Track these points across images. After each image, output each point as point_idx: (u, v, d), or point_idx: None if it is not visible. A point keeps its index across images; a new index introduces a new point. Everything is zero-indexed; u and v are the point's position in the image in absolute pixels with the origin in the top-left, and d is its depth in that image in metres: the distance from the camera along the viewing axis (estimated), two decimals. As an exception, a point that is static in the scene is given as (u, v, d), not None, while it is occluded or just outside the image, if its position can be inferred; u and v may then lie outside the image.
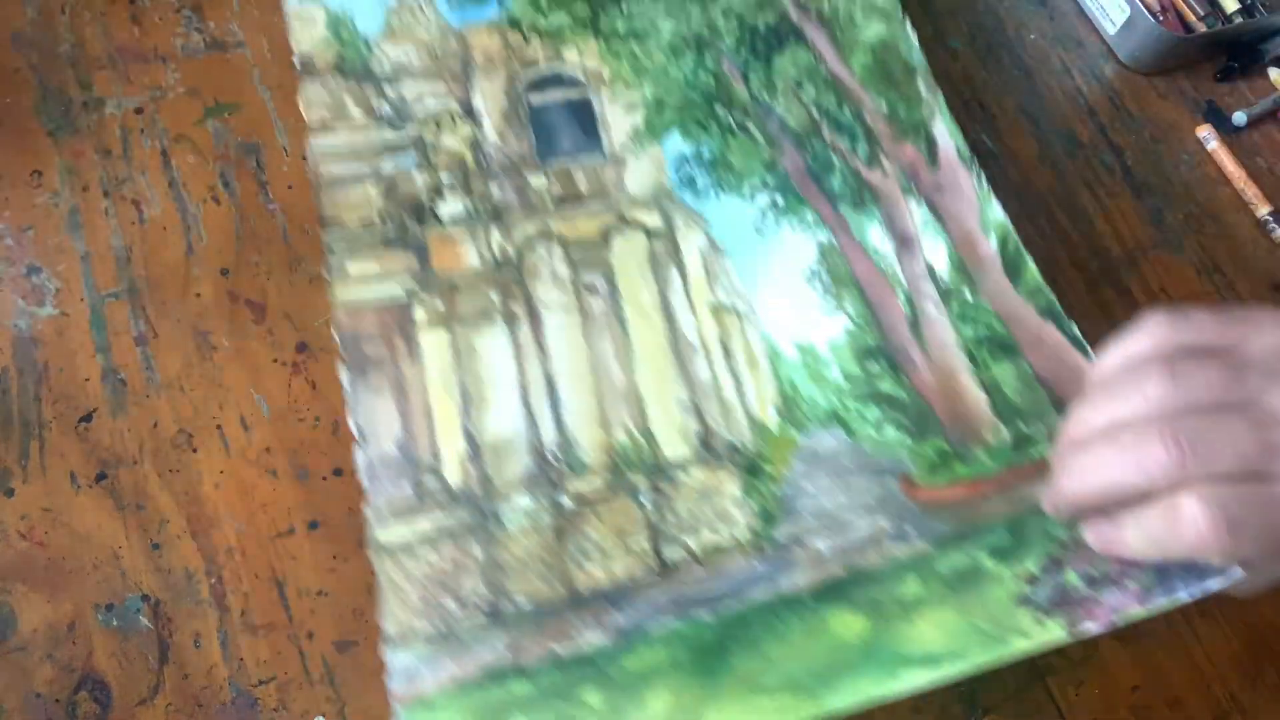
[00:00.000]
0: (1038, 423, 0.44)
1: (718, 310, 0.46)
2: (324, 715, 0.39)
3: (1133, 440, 0.33)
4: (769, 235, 0.49)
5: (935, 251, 0.49)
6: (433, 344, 0.44)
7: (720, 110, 0.51)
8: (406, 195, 0.47)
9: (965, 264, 0.48)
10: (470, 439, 0.43)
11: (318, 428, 0.44)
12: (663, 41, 0.53)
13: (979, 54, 0.60)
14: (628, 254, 0.47)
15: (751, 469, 0.43)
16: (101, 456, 0.42)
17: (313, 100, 0.48)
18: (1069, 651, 0.45)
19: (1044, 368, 0.46)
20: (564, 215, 0.48)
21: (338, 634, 0.41)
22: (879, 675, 0.36)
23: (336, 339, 0.43)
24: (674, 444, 0.44)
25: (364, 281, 0.45)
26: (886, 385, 0.45)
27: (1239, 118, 0.60)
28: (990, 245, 0.49)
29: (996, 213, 0.50)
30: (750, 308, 0.47)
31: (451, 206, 0.47)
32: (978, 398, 0.45)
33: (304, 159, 0.50)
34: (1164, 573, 0.37)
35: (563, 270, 0.46)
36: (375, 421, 0.42)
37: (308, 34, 0.49)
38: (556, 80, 0.51)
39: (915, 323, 0.47)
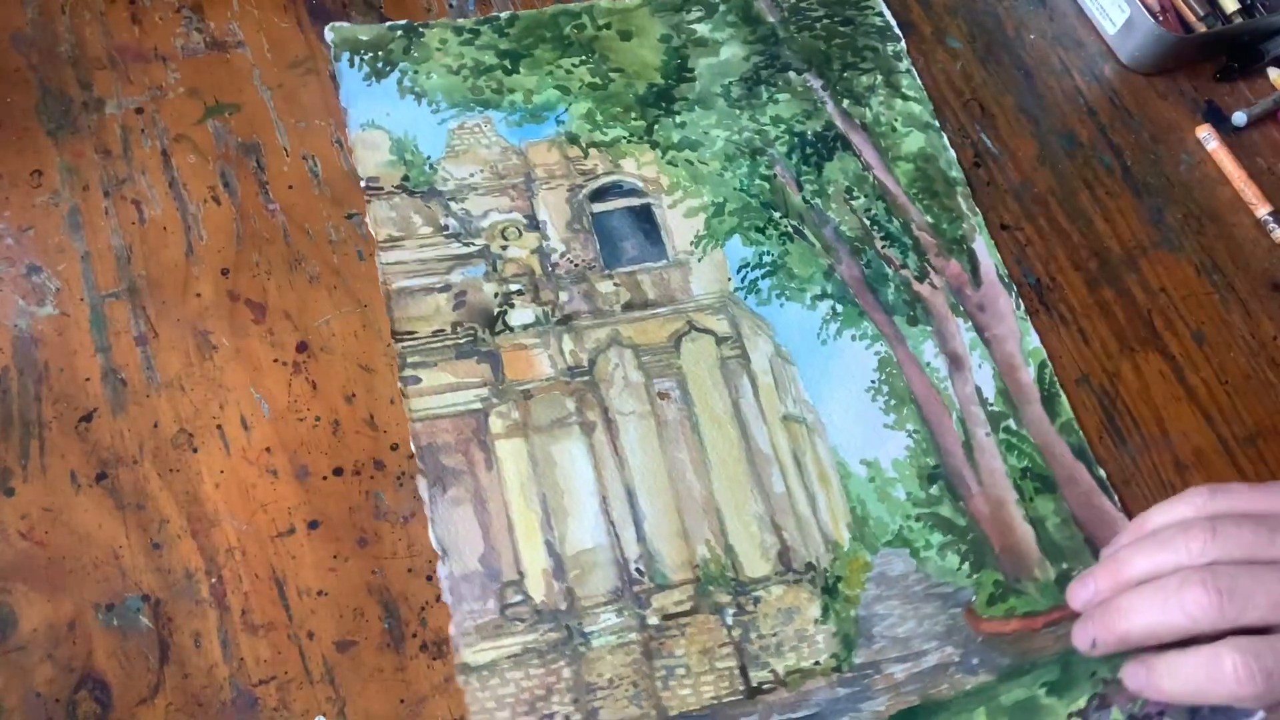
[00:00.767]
0: (1077, 563, 0.46)
1: (788, 421, 0.47)
2: (324, 715, 0.39)
3: (1176, 585, 0.37)
4: (830, 345, 0.49)
5: (983, 374, 0.50)
6: (510, 454, 0.45)
7: (778, 216, 0.52)
8: (477, 305, 0.48)
9: (1009, 391, 0.49)
10: (553, 552, 0.43)
11: (318, 428, 0.44)
12: (717, 149, 0.54)
13: (979, 54, 0.61)
14: (698, 360, 0.48)
15: (829, 589, 0.44)
16: (101, 456, 0.42)
17: (381, 219, 0.49)
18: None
19: (1078, 507, 0.47)
20: (633, 321, 0.48)
21: (338, 634, 0.41)
22: None
23: (414, 450, 0.43)
24: (754, 560, 0.44)
25: (439, 392, 0.45)
26: (946, 510, 0.46)
27: (1239, 118, 0.60)
28: (1030, 374, 0.50)
29: (1034, 341, 0.51)
30: (817, 419, 0.47)
31: (522, 315, 0.48)
32: (1026, 531, 0.46)
33: (304, 159, 0.50)
34: (1196, 713, 0.41)
35: (635, 376, 0.47)
36: (457, 536, 0.43)
37: (372, 157, 0.50)
38: (617, 189, 0.52)
39: (969, 447, 0.48)
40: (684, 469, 0.45)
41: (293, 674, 0.40)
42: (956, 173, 0.55)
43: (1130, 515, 0.47)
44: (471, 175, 0.51)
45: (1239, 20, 0.62)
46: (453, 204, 0.50)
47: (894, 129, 0.56)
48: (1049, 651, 0.43)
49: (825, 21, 0.59)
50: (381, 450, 0.44)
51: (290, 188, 0.49)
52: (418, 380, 0.45)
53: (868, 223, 0.53)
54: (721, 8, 0.58)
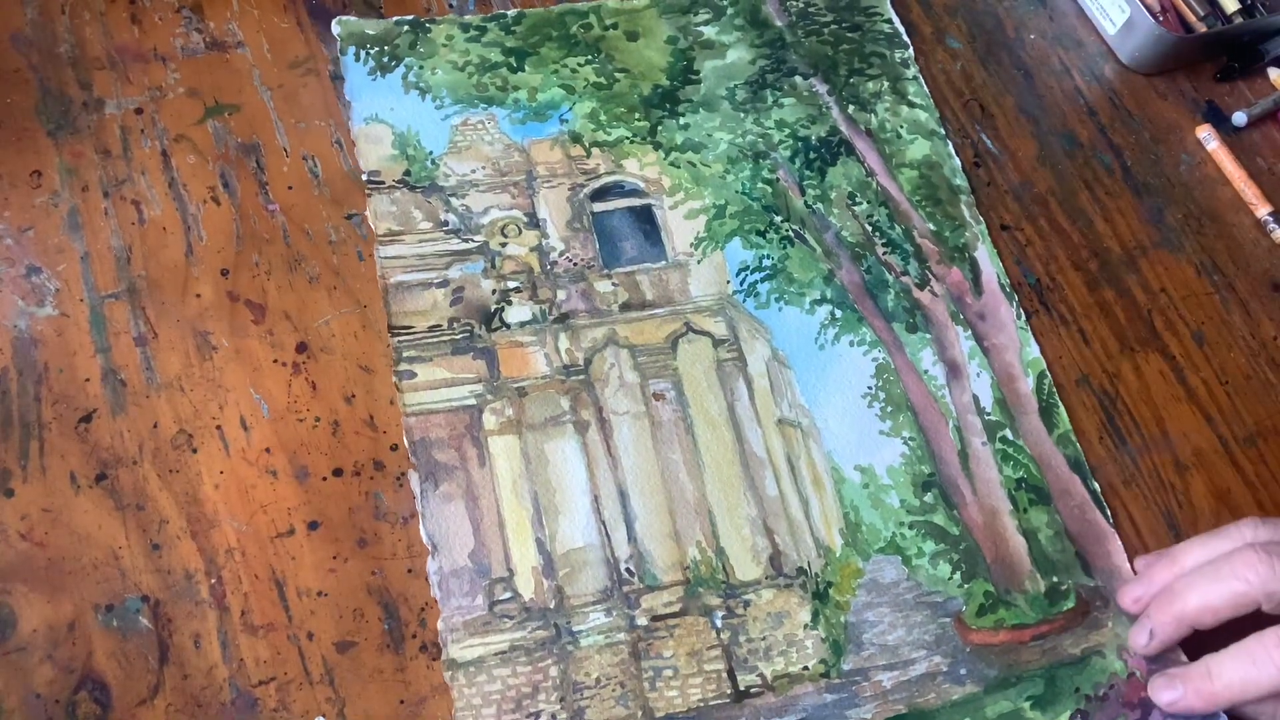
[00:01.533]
0: (1067, 577, 0.46)
1: (783, 425, 0.47)
2: (324, 715, 0.39)
3: (1230, 558, 0.40)
4: (828, 350, 0.49)
5: (981, 383, 0.50)
6: (503, 450, 0.45)
7: (779, 220, 0.52)
8: (474, 301, 0.48)
9: (1007, 401, 0.49)
10: (543, 550, 0.43)
11: (318, 428, 0.44)
12: (720, 152, 0.54)
13: (979, 54, 0.60)
14: (694, 361, 0.48)
15: (819, 595, 0.44)
16: (101, 457, 0.42)
17: (380, 212, 0.49)
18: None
19: (1070, 520, 0.47)
20: (630, 321, 0.48)
21: (338, 634, 0.41)
22: None
23: (406, 445, 0.43)
24: (745, 563, 0.44)
25: (433, 387, 0.45)
26: (940, 518, 0.46)
27: (1239, 118, 0.60)
28: (1028, 384, 0.50)
29: (1034, 352, 0.51)
30: (813, 424, 0.47)
31: (519, 312, 0.48)
32: (1019, 543, 0.46)
33: (304, 159, 0.50)
34: None
35: (631, 377, 0.47)
36: (447, 531, 0.43)
37: (375, 151, 0.50)
38: (618, 189, 0.52)
39: (964, 456, 0.48)
40: (677, 470, 0.45)
41: (292, 675, 0.40)
42: (961, 180, 0.55)
43: (1121, 530, 0.47)
44: (473, 171, 0.51)
45: (1239, 20, 0.62)
46: (453, 200, 0.50)
47: (899, 135, 0.56)
48: (1035, 665, 0.43)
49: (833, 27, 0.59)
50: (381, 451, 0.44)
51: (290, 188, 0.49)
52: (413, 375, 0.45)
53: (869, 229, 0.53)
54: (729, 11, 0.58)
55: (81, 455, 0.42)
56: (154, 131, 0.49)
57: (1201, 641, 0.41)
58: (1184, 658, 0.43)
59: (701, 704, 0.41)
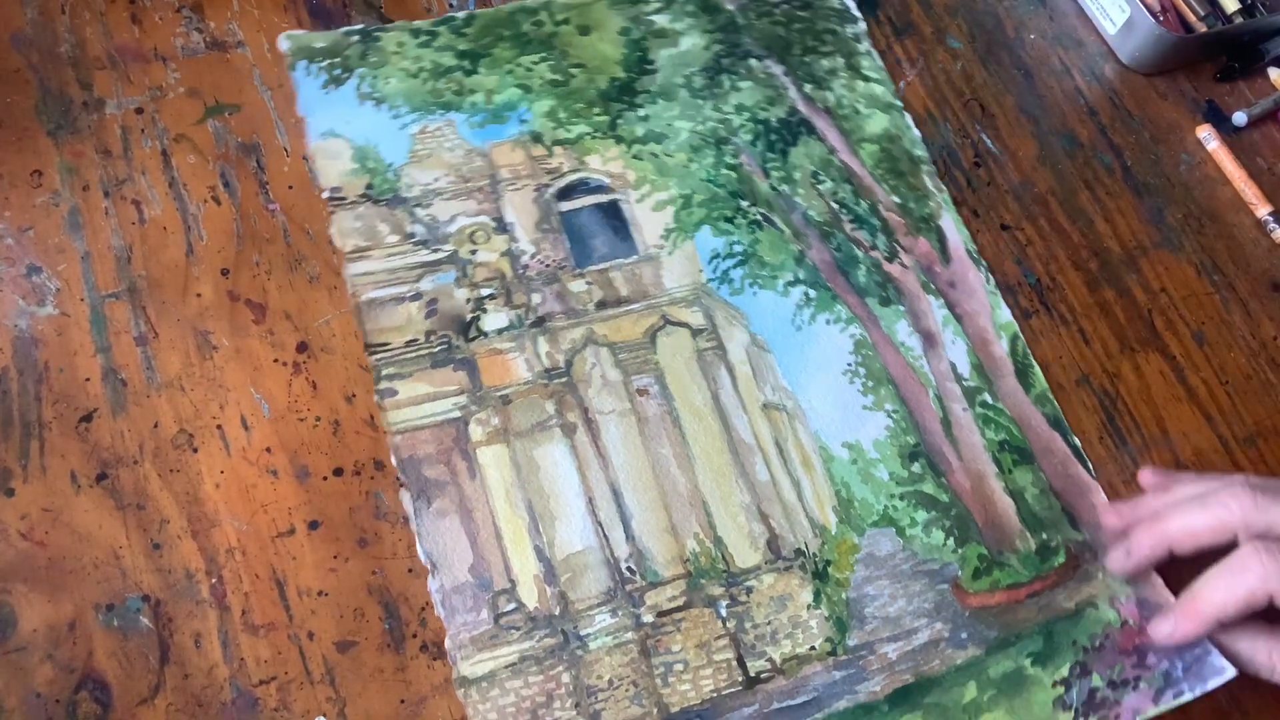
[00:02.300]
0: (1055, 533, 0.46)
1: (768, 409, 0.47)
2: (324, 715, 0.39)
3: (1217, 489, 0.42)
4: (805, 330, 0.49)
5: (956, 350, 0.50)
6: (492, 460, 0.44)
7: (745, 204, 0.52)
8: (449, 312, 0.47)
9: (984, 365, 0.50)
10: (543, 557, 0.43)
11: (318, 428, 0.44)
12: (681, 141, 0.54)
13: (979, 54, 0.60)
14: (675, 353, 0.48)
15: (819, 574, 0.44)
16: (102, 456, 0.42)
17: (346, 230, 0.48)
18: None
19: (1054, 477, 0.48)
20: (607, 318, 0.48)
21: (338, 634, 0.41)
22: None
23: (395, 464, 0.43)
24: (744, 550, 0.44)
25: (416, 403, 0.45)
26: (929, 487, 0.47)
27: (1239, 118, 0.60)
28: (1002, 347, 0.50)
29: (1005, 314, 0.51)
30: (797, 405, 0.48)
31: (495, 319, 0.47)
32: (1007, 504, 0.47)
33: (304, 159, 0.50)
34: (1170, 675, 0.43)
35: (613, 375, 0.47)
36: (445, 548, 0.42)
37: (334, 167, 0.50)
38: (584, 186, 0.52)
39: (947, 423, 0.48)
40: (668, 464, 0.45)
41: (293, 674, 0.40)
42: (921, 151, 0.55)
43: (1108, 491, 0.48)
44: (436, 180, 0.50)
45: (1239, 20, 0.62)
46: (419, 210, 0.49)
47: (857, 111, 0.56)
48: (1033, 622, 0.44)
49: (784, 7, 0.59)
50: (381, 450, 0.44)
51: (290, 188, 0.49)
52: (394, 393, 0.45)
53: (835, 206, 0.53)
54: None
55: (82, 455, 0.42)
56: (154, 131, 0.49)
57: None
58: (1167, 592, 0.45)
59: (715, 694, 0.41)
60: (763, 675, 0.42)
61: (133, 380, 0.44)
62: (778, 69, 0.56)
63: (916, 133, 0.56)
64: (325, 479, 0.43)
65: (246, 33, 0.53)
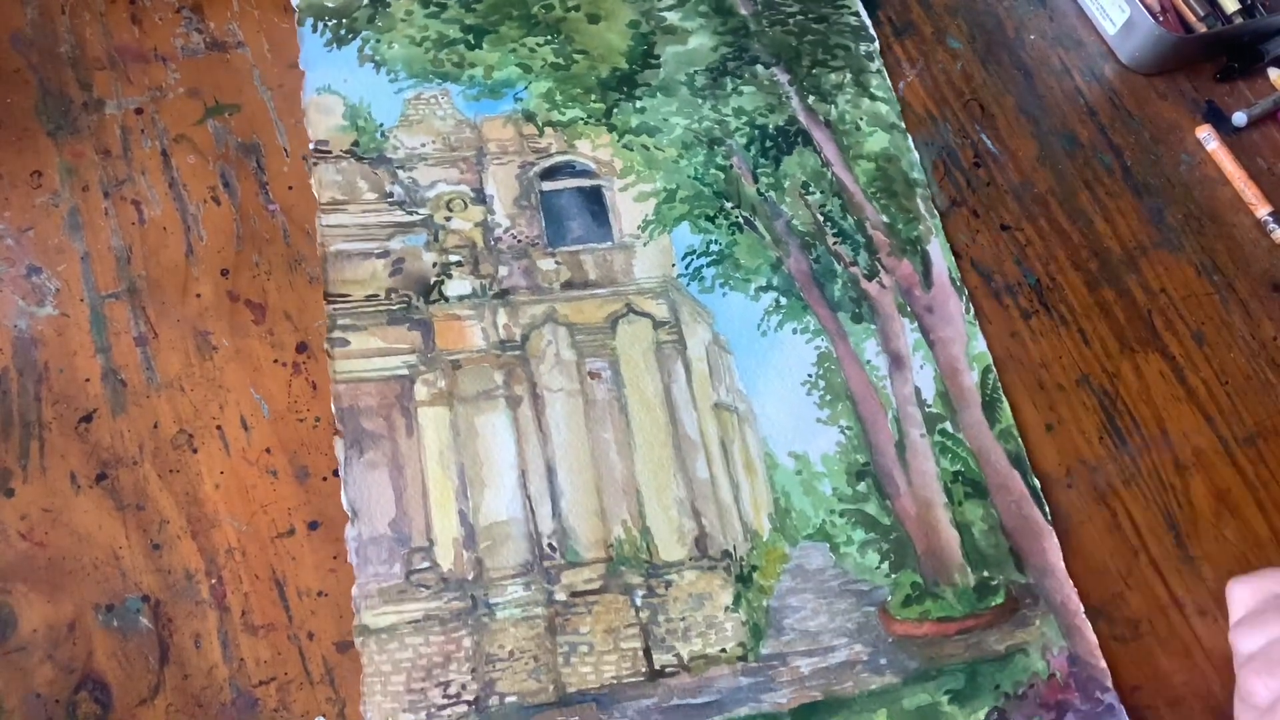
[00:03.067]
0: (998, 572, 0.46)
1: (719, 409, 0.47)
2: (324, 715, 0.39)
3: None
4: (770, 336, 0.49)
5: (923, 376, 0.50)
6: (432, 421, 0.44)
7: (729, 206, 0.52)
8: (414, 273, 0.47)
9: (950, 394, 0.49)
10: (465, 521, 0.43)
11: (318, 428, 0.44)
12: (674, 136, 0.54)
13: (979, 54, 0.60)
14: (633, 341, 0.48)
15: (743, 578, 0.44)
16: (101, 457, 0.42)
17: (325, 181, 0.49)
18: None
19: (1007, 515, 0.47)
20: (571, 299, 0.48)
21: (338, 634, 0.41)
22: None
23: (334, 411, 0.43)
24: (670, 544, 0.44)
25: (365, 356, 0.45)
26: (872, 507, 0.46)
27: (1239, 118, 0.60)
28: (972, 378, 0.50)
29: (980, 346, 0.51)
30: (750, 409, 0.47)
31: (459, 286, 0.48)
32: (951, 536, 0.46)
33: (304, 159, 0.50)
34: None
35: (568, 354, 0.47)
36: (369, 499, 0.42)
37: (324, 121, 0.50)
38: (569, 169, 0.52)
39: (901, 446, 0.48)
40: (608, 449, 0.45)
41: (293, 675, 0.40)
42: (918, 174, 0.55)
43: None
44: (423, 145, 0.51)
45: (1239, 20, 0.62)
46: (401, 172, 0.50)
47: (858, 127, 0.56)
48: (958, 659, 0.43)
49: (799, 17, 0.59)
50: (381, 451, 0.44)
51: (290, 188, 0.49)
52: (346, 343, 0.45)
53: (821, 218, 0.53)
54: None
55: (82, 455, 0.42)
56: (154, 131, 0.49)
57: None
58: (1099, 653, 0.44)
59: (615, 681, 0.41)
60: (667, 670, 0.41)
61: (132, 380, 0.44)
62: (783, 77, 0.56)
63: (916, 155, 0.56)
64: (325, 479, 0.43)
65: (246, 33, 0.53)
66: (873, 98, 0.57)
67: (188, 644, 0.40)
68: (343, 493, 0.42)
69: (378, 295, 0.47)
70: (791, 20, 0.59)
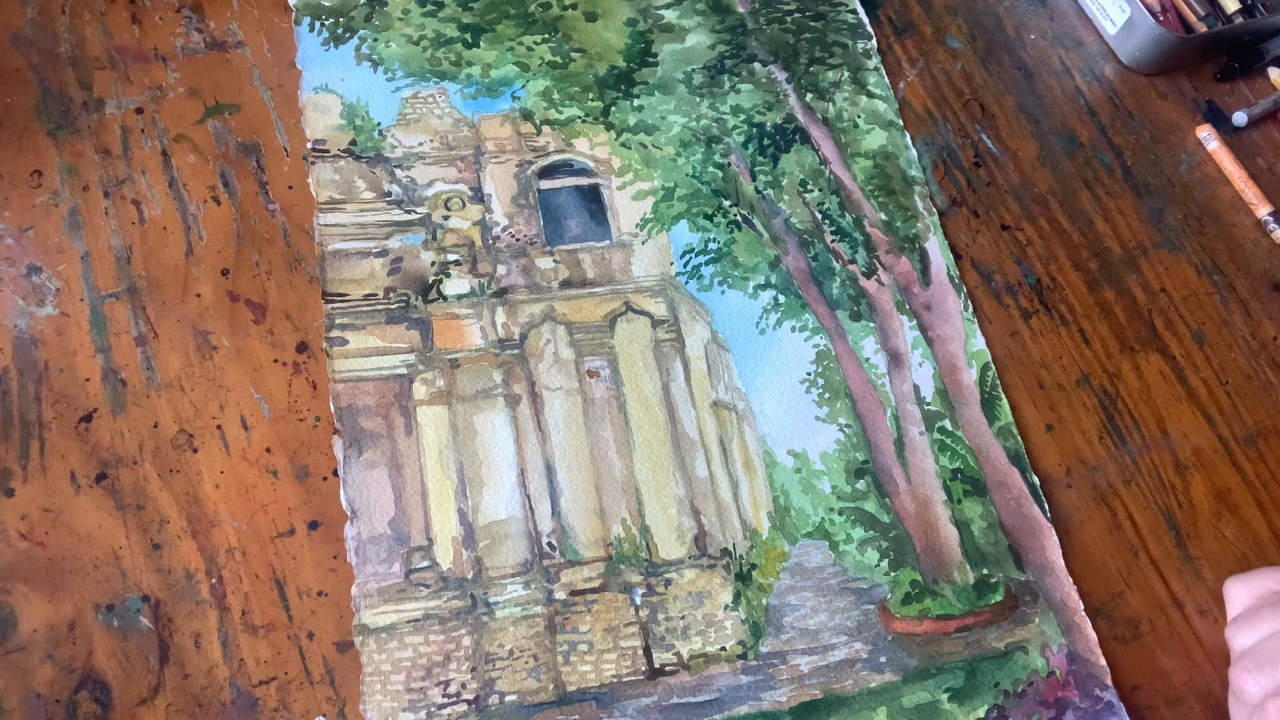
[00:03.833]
0: (997, 569, 0.46)
1: (718, 407, 0.47)
2: (324, 715, 0.39)
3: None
4: (769, 335, 0.49)
5: (922, 373, 0.50)
6: (431, 420, 0.45)
7: (727, 204, 0.52)
8: (413, 272, 0.48)
9: (948, 391, 0.50)
10: (465, 520, 0.43)
11: (318, 428, 0.44)
12: (672, 135, 0.54)
13: (979, 54, 0.60)
14: (631, 340, 0.48)
15: (742, 576, 0.44)
16: (101, 456, 0.42)
17: (323, 180, 0.49)
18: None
19: (1006, 513, 0.47)
20: (570, 298, 0.48)
21: (338, 634, 0.41)
22: None
23: (333, 410, 0.43)
24: (669, 542, 0.44)
25: (364, 355, 0.45)
26: (871, 505, 0.46)
27: (1239, 118, 0.60)
28: (971, 375, 0.50)
29: (979, 343, 0.51)
30: (748, 408, 0.48)
31: (457, 285, 0.48)
32: (950, 533, 0.47)
33: (305, 159, 0.50)
34: None
35: (566, 353, 0.47)
36: (368, 498, 0.43)
37: (322, 120, 0.50)
38: (567, 167, 0.52)
39: (900, 444, 0.48)
40: (607, 447, 0.45)
41: (293, 674, 0.40)
42: (916, 172, 0.55)
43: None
44: (421, 144, 0.51)
45: (1239, 20, 0.62)
46: (398, 171, 0.50)
47: (856, 125, 0.56)
48: (957, 657, 0.43)
49: (796, 15, 0.59)
50: (382, 450, 0.44)
51: (290, 188, 0.49)
52: (344, 342, 0.45)
53: (819, 216, 0.53)
54: None
55: (82, 455, 0.42)
56: (154, 131, 0.49)
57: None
58: (1099, 651, 0.44)
59: (615, 679, 0.41)
60: (667, 668, 0.42)
61: (133, 380, 0.44)
62: (781, 75, 0.56)
63: (914, 153, 0.56)
64: (325, 479, 0.43)
65: (246, 33, 0.53)
66: (870, 95, 0.57)
67: (188, 644, 0.40)
68: (342, 492, 0.42)
69: (376, 294, 0.47)
70: (789, 18, 0.59)
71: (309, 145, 0.49)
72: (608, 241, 0.50)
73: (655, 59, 0.56)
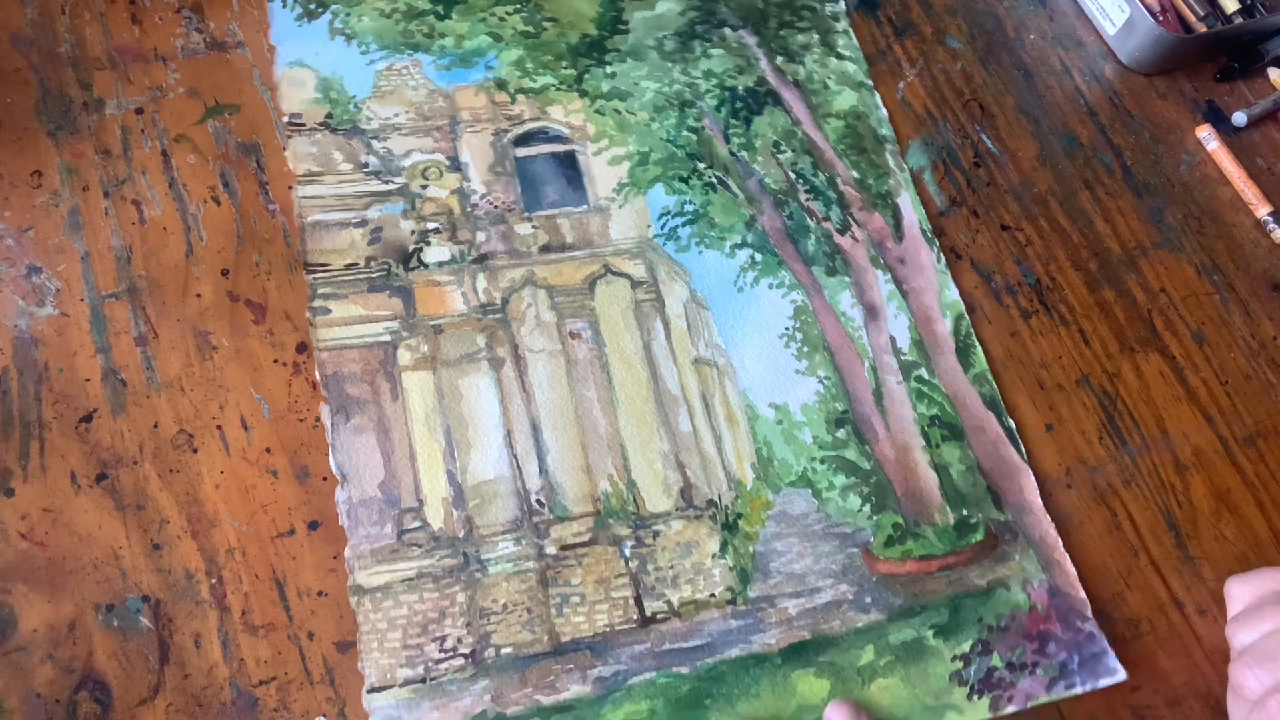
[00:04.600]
0: (977, 510, 0.47)
1: (699, 364, 0.48)
2: (324, 715, 0.39)
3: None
4: (747, 292, 0.50)
5: (898, 325, 0.51)
6: (416, 385, 0.45)
7: (702, 167, 0.53)
8: (393, 241, 0.48)
9: (924, 341, 0.50)
10: (454, 481, 0.43)
11: (318, 428, 0.44)
12: (646, 100, 0.54)
13: (979, 54, 0.60)
14: (612, 301, 0.48)
15: (729, 526, 0.45)
16: (101, 456, 0.42)
17: (300, 153, 0.49)
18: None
19: (984, 456, 0.48)
20: (549, 262, 0.49)
21: (338, 634, 0.41)
22: None
23: (318, 378, 0.44)
24: (656, 496, 0.45)
25: (347, 323, 0.46)
26: (852, 453, 0.47)
27: (1239, 118, 0.60)
28: (946, 325, 0.51)
29: (952, 294, 0.52)
30: (729, 363, 0.48)
31: (438, 252, 0.48)
32: (930, 477, 0.47)
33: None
34: (1066, 667, 0.43)
35: (548, 316, 0.47)
36: (357, 462, 0.43)
37: (297, 95, 0.51)
38: (542, 134, 0.52)
39: (879, 394, 0.49)
40: (591, 406, 0.46)
41: (293, 674, 0.40)
42: (887, 130, 0.56)
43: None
44: (396, 115, 0.51)
45: (1239, 20, 0.62)
46: (375, 142, 0.50)
47: (826, 86, 0.56)
48: (940, 595, 0.44)
49: None
50: (381, 450, 0.44)
51: (290, 188, 0.49)
52: (327, 311, 0.46)
53: (793, 176, 0.53)
54: None
55: (82, 455, 0.42)
56: (154, 131, 0.49)
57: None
58: (1079, 584, 0.45)
59: (608, 629, 0.42)
60: (658, 616, 0.42)
61: (133, 380, 0.44)
62: (751, 39, 0.57)
63: (884, 112, 0.56)
64: (325, 479, 0.43)
65: (246, 33, 0.53)
66: (840, 57, 0.58)
67: (188, 644, 0.40)
68: (330, 457, 0.43)
69: (357, 264, 0.47)
70: None
71: (285, 119, 0.50)
72: (585, 206, 0.51)
73: (627, 26, 0.56)
